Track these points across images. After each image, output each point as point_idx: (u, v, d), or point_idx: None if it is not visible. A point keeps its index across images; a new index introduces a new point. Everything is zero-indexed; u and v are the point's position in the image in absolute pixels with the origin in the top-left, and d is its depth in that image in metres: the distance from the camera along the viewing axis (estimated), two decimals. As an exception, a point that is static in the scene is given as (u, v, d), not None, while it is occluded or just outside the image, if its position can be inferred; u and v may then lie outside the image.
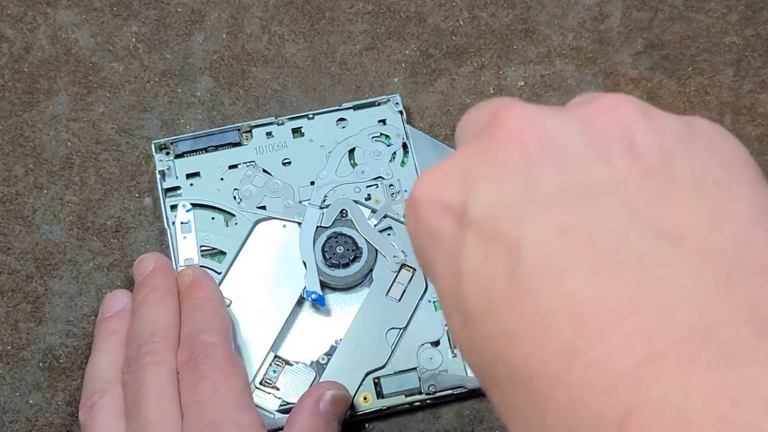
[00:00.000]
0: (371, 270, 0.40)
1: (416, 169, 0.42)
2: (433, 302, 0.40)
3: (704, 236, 0.17)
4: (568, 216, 0.17)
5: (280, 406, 0.38)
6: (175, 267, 0.39)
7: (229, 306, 0.39)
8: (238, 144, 0.42)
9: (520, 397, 0.17)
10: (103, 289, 0.40)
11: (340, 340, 0.39)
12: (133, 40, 0.45)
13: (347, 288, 0.40)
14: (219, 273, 0.40)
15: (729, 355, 0.15)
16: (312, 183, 0.42)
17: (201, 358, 0.33)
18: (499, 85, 0.44)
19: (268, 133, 0.42)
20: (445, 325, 0.39)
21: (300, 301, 0.40)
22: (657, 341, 0.15)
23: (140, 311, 0.36)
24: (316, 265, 0.40)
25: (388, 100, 0.43)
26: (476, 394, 0.39)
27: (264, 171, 0.42)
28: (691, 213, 0.17)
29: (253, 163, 0.42)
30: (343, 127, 0.43)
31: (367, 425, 0.39)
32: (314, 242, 0.40)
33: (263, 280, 0.40)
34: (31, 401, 0.39)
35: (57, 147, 0.43)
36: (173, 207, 0.41)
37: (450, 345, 0.39)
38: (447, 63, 0.45)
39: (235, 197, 0.41)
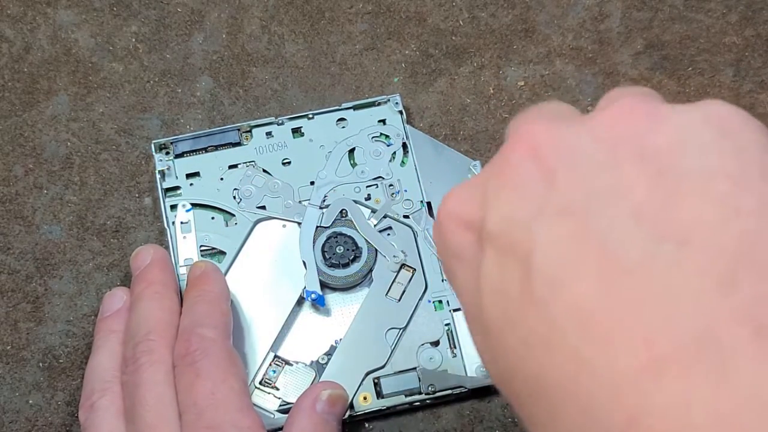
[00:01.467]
0: (371, 270, 0.40)
1: (416, 169, 0.42)
2: (433, 302, 0.40)
3: (711, 235, 0.16)
4: (575, 225, 0.18)
5: (280, 406, 0.38)
6: (175, 267, 0.39)
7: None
8: (238, 144, 0.42)
9: (538, 409, 0.18)
10: (102, 288, 0.40)
11: (340, 340, 0.39)
12: (133, 40, 0.45)
13: (347, 288, 0.40)
14: (219, 273, 0.40)
15: (729, 357, 0.15)
16: (312, 183, 0.42)
17: (198, 353, 0.33)
18: (499, 85, 0.44)
19: (268, 133, 0.42)
20: (446, 324, 0.39)
21: (300, 301, 0.40)
22: (659, 346, 0.15)
23: (137, 308, 0.36)
24: (316, 265, 0.40)
25: (388, 100, 0.43)
26: (476, 394, 0.39)
27: (264, 171, 0.42)
28: (699, 211, 0.17)
29: (253, 163, 0.42)
30: (343, 127, 0.43)
31: (367, 425, 0.39)
32: (314, 242, 0.40)
33: (263, 280, 0.40)
34: (31, 401, 0.39)
35: (57, 147, 0.43)
36: (173, 207, 0.41)
37: (450, 345, 0.39)
38: (447, 63, 0.45)
39: (234, 197, 0.41)
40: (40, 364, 0.39)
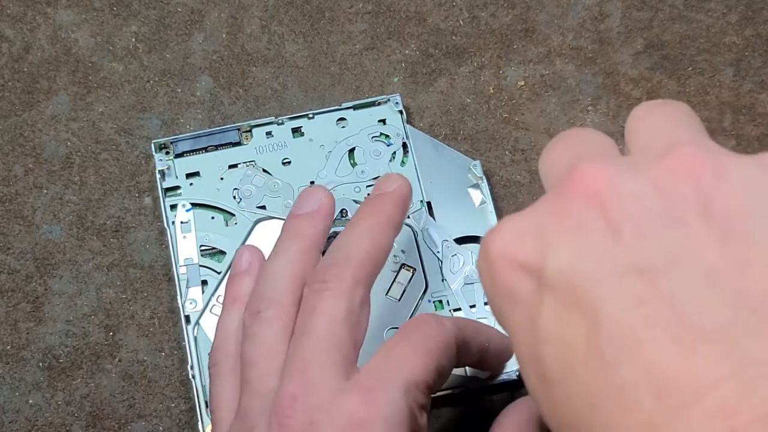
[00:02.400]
0: (371, 270, 0.40)
1: (416, 168, 0.42)
2: (433, 302, 0.40)
3: None
4: (647, 286, 0.17)
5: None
6: (174, 268, 0.39)
7: None
8: (238, 144, 0.42)
9: None
10: (102, 288, 0.40)
11: (340, 339, 0.39)
12: (133, 40, 0.45)
13: (347, 288, 0.40)
14: (219, 273, 0.40)
15: None
16: (312, 183, 0.42)
17: (420, 326, 0.30)
18: (499, 85, 0.44)
19: (268, 133, 0.42)
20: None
21: (300, 301, 0.40)
22: (738, 417, 0.15)
23: (354, 224, 0.32)
24: (316, 264, 0.40)
25: (388, 99, 0.43)
26: (476, 394, 0.39)
27: (264, 171, 0.42)
28: None
29: (253, 162, 0.42)
30: (343, 127, 0.43)
31: (367, 425, 0.39)
32: (314, 242, 0.40)
33: (263, 279, 0.40)
34: (30, 401, 0.39)
35: (57, 147, 0.43)
36: (173, 207, 0.41)
37: (450, 345, 0.39)
38: (447, 63, 0.45)
39: (234, 197, 0.41)
40: (40, 364, 0.39)
